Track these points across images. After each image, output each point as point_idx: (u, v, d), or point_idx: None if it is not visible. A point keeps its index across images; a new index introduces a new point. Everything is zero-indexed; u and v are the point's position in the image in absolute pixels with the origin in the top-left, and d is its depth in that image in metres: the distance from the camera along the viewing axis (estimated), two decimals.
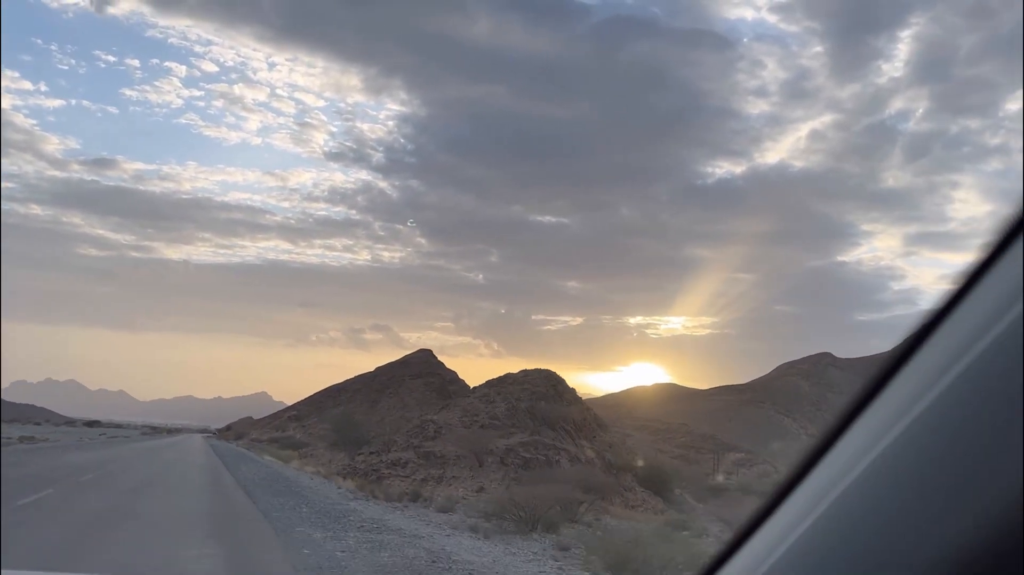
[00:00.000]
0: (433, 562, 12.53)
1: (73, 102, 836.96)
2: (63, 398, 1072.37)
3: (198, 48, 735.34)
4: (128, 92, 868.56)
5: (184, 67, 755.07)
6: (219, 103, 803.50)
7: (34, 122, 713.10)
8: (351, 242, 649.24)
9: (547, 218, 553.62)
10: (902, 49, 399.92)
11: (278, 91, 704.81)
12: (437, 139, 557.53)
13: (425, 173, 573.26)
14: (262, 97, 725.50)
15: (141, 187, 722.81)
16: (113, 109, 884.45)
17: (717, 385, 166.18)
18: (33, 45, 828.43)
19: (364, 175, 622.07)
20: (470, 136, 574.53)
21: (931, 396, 0.98)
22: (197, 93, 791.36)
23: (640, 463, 41.74)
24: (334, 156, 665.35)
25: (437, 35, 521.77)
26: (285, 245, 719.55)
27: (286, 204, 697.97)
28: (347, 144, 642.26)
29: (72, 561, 10.05)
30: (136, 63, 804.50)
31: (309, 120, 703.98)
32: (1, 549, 9.62)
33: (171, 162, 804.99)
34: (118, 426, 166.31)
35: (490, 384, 46.58)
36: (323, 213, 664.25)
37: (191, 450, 55.47)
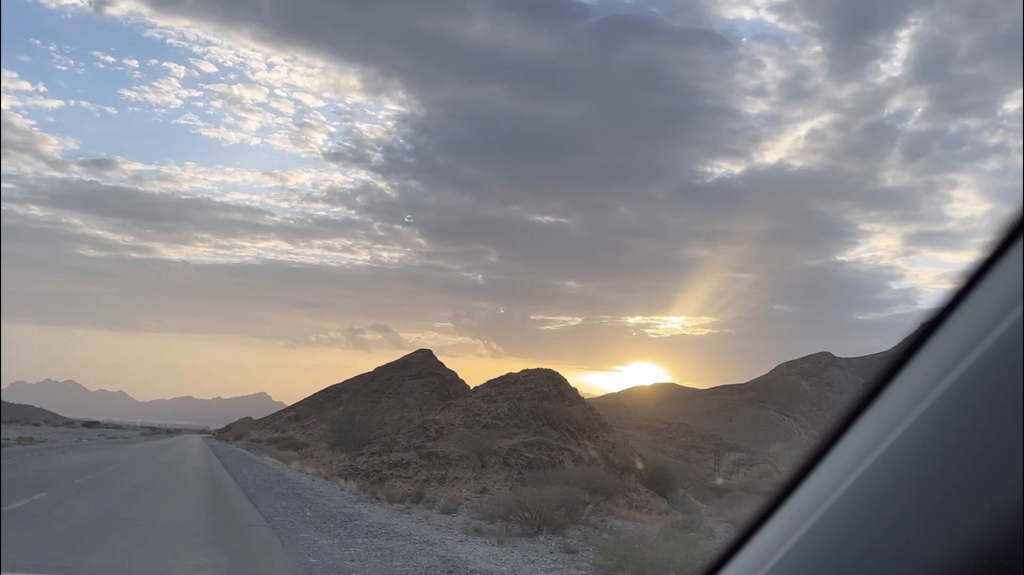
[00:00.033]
0: (449, 572, 11.99)
1: (72, 103, 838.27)
2: (62, 399, 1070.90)
3: (197, 48, 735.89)
4: (127, 93, 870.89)
5: (183, 67, 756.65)
6: (218, 103, 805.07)
7: (33, 123, 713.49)
8: (350, 242, 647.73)
9: (546, 218, 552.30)
10: (901, 49, 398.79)
11: (277, 91, 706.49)
12: (436, 139, 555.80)
13: (424, 173, 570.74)
14: (261, 97, 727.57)
15: (140, 188, 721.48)
16: (112, 110, 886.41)
17: (717, 385, 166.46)
18: (32, 46, 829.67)
19: (363, 175, 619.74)
20: (469, 136, 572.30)
21: (932, 397, 0.99)
22: (196, 93, 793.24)
23: (643, 463, 41.40)
24: (333, 156, 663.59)
25: (435, 35, 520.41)
26: (284, 245, 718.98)
27: (285, 204, 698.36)
28: (346, 144, 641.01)
29: (63, 571, 9.58)
30: (135, 64, 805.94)
31: (308, 120, 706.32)
32: (1, 549, 9.20)
33: (170, 163, 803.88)
34: (117, 427, 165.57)
35: (492, 384, 46.13)
36: (322, 213, 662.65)
37: (190, 451, 54.95)
